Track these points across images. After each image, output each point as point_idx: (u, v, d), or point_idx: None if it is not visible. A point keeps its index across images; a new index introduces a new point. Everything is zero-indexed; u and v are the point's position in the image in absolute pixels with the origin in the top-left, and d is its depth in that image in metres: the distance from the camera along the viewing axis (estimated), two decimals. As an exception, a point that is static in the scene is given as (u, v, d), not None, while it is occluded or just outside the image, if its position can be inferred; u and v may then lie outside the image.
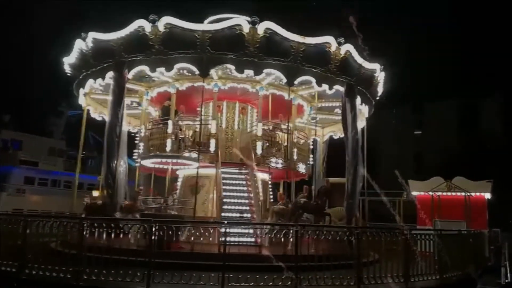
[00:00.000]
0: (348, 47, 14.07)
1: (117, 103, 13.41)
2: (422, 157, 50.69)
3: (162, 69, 13.61)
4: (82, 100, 16.45)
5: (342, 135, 18.31)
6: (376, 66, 15.45)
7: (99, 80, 14.41)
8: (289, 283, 8.39)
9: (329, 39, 13.69)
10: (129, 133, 18.77)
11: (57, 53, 16.25)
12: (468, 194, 20.43)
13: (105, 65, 13.89)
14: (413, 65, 48.80)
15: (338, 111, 17.20)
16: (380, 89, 16.52)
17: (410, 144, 52.58)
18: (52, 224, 9.26)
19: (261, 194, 15.51)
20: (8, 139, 40.17)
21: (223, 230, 9.12)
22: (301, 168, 16.75)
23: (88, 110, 16.71)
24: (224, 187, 14.27)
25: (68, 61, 15.53)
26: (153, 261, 8.38)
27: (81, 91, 15.66)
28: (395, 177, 18.63)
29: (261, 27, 12.82)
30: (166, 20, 12.76)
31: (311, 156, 18.46)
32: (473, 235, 13.60)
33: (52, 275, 8.63)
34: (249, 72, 13.45)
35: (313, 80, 13.91)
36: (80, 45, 14.36)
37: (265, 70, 13.43)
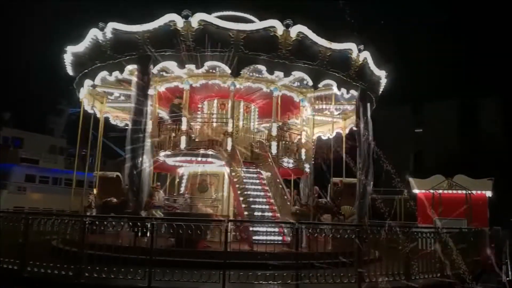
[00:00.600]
0: (366, 54, 14.76)
1: (142, 98, 12.95)
2: (422, 155, 50.68)
3: (192, 66, 13.29)
4: (83, 93, 15.98)
5: (330, 136, 19.31)
6: (382, 73, 16.15)
7: (116, 73, 13.88)
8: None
9: (352, 45, 14.24)
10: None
11: (58, 50, 16.07)
12: (469, 192, 20.44)
13: (126, 57, 13.42)
14: (413, 65, 48.74)
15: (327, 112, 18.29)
16: (370, 72, 16.58)
17: (410, 142, 52.55)
18: (54, 222, 9.24)
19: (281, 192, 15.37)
20: (9, 137, 40.22)
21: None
22: (307, 167, 16.95)
23: (85, 105, 16.73)
24: (241, 185, 14.18)
25: (74, 50, 15.02)
26: (184, 260, 8.62)
27: (87, 83, 14.95)
28: (396, 175, 18.64)
29: (294, 30, 13.04)
30: (200, 17, 12.66)
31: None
32: (473, 233, 13.63)
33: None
34: (279, 74, 13.62)
35: (334, 84, 14.31)
36: (95, 35, 13.79)
37: (293, 73, 13.65)
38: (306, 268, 8.65)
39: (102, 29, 13.47)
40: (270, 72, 13.46)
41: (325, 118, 19.25)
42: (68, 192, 18.88)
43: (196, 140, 15.07)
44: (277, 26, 12.92)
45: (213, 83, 15.16)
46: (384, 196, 23.15)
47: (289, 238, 11.58)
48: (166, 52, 12.95)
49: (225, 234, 8.77)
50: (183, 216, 11.02)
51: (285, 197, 14.10)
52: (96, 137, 18.07)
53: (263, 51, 13.06)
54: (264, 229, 11.33)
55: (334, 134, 19.31)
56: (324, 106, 17.85)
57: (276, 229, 12.10)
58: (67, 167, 38.93)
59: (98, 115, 17.90)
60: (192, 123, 15.52)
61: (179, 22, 12.66)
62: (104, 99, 17.88)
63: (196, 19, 12.66)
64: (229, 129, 14.85)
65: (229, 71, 13.22)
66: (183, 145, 14.68)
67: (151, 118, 16.95)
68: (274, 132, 15.60)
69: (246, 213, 13.09)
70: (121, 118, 18.90)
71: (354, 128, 17.23)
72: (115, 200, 14.17)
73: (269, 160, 14.85)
